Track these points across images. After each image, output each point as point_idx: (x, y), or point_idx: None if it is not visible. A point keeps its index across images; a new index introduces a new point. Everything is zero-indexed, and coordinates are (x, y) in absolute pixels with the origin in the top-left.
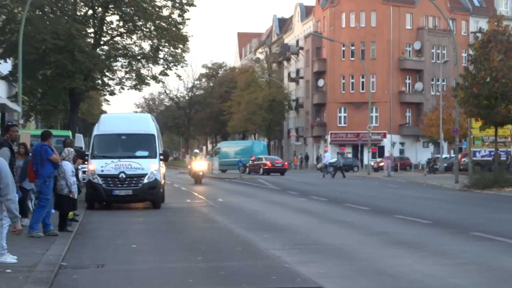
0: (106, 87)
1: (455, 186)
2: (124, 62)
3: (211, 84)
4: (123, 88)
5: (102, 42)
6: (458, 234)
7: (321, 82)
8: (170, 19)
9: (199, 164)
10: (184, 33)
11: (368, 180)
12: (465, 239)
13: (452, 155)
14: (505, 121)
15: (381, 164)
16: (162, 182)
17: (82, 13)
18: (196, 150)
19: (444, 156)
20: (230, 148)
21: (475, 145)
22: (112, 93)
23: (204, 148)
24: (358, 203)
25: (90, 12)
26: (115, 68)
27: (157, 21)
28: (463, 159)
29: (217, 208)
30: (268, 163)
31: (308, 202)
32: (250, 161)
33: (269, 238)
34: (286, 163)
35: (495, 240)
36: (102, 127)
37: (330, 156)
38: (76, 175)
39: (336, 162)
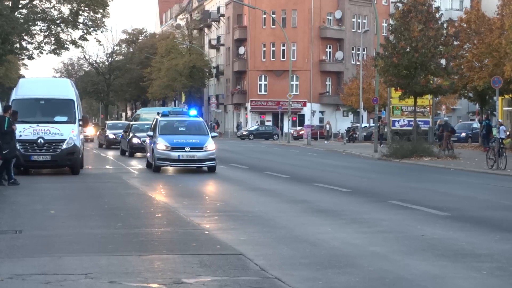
0: (24, 51)
1: (374, 155)
2: (43, 26)
3: (131, 50)
4: (41, 53)
5: (20, 6)
6: (376, 202)
7: (241, 50)
8: None
9: None
10: None
11: (288, 148)
12: (384, 207)
13: (372, 124)
14: (424, 91)
15: (301, 132)
16: (81, 148)
17: None
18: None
19: (363, 125)
20: (150, 114)
21: (394, 114)
22: (30, 57)
23: (123, 114)
24: (278, 171)
25: None
26: (34, 32)
27: None
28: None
29: (137, 175)
30: None
31: (228, 170)
32: None
33: (189, 205)
34: None
35: (413, 209)
36: (21, 91)
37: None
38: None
39: None
